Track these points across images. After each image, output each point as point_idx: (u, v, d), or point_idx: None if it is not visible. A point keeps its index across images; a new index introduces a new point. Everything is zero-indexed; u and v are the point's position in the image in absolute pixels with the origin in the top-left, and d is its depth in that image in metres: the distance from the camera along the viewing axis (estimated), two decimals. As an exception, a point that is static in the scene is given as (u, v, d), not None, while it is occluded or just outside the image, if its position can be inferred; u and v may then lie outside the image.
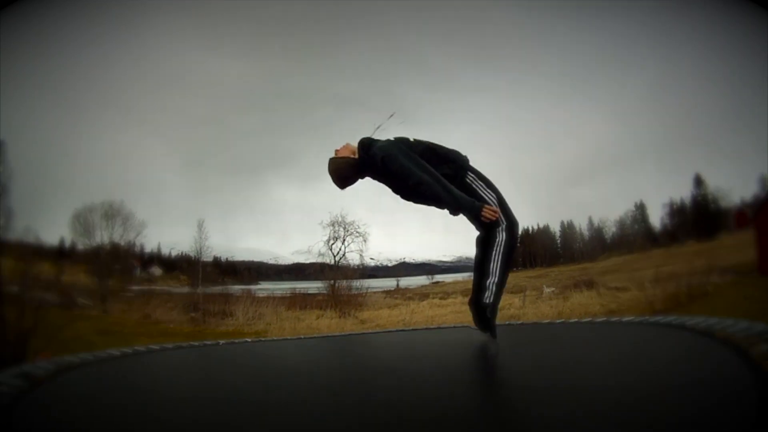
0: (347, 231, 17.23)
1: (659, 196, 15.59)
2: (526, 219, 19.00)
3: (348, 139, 3.55)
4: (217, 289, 16.14)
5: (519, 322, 5.10)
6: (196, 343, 4.75)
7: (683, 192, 15.13)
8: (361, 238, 17.35)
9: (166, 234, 16.66)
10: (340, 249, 17.23)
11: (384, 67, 18.03)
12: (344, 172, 3.45)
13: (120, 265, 14.71)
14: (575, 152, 17.54)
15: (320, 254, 17.31)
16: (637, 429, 2.02)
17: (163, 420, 2.41)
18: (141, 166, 15.11)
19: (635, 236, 16.61)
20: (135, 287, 15.55)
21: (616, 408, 2.21)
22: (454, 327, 4.94)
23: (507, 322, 4.94)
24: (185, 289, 16.00)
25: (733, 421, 2.02)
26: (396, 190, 3.45)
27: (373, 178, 3.47)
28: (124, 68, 13.35)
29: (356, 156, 3.42)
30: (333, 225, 17.10)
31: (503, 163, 16.80)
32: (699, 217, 14.58)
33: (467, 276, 19.92)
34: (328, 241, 17.18)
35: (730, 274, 11.14)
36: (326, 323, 14.69)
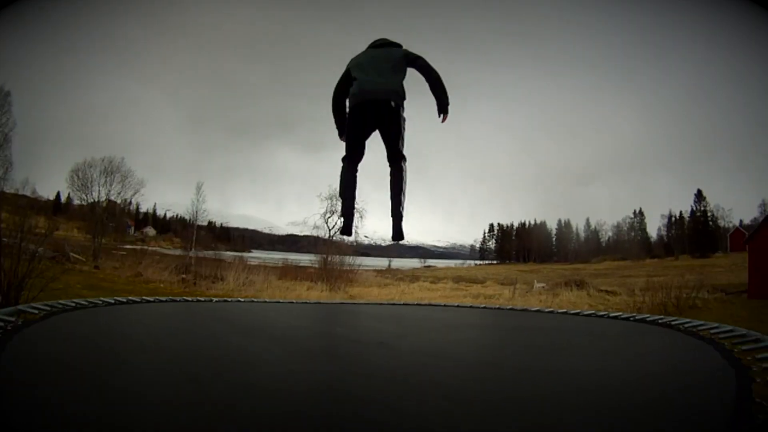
0: (345, 206, 17.15)
1: (660, 206, 15.58)
2: (526, 213, 19.00)
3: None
4: (209, 253, 16.13)
5: (509, 307, 5.22)
6: (190, 299, 4.84)
7: (684, 205, 15.16)
8: (358, 215, 17.29)
9: (163, 194, 16.59)
10: (335, 223, 17.20)
11: (405, 29, 17.44)
12: None
13: (114, 222, 14.67)
14: (592, 148, 17.20)
15: (315, 227, 17.27)
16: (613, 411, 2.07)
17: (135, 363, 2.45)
18: (143, 123, 14.94)
19: (631, 243, 16.67)
20: (128, 246, 15.55)
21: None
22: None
23: (497, 306, 5.08)
24: (178, 252, 16.01)
25: (709, 405, 2.07)
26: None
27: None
28: (130, 16, 13.04)
29: None
30: (331, 198, 17.00)
31: (517, 147, 16.62)
32: (696, 234, 14.62)
33: (459, 263, 20.03)
34: (325, 214, 17.11)
35: (719, 292, 11.28)
36: (316, 295, 14.75)
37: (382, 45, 3.81)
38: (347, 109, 3.67)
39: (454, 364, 3.11)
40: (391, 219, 3.61)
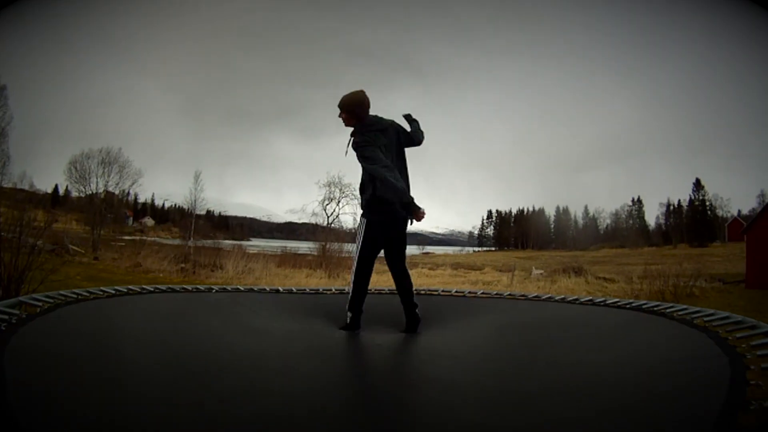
0: (343, 192, 17.14)
1: (658, 194, 15.56)
2: (525, 200, 18.99)
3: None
4: (208, 242, 16.15)
5: (507, 293, 5.32)
6: (189, 287, 4.90)
7: (682, 194, 15.15)
8: (356, 201, 17.23)
9: (161, 184, 16.53)
10: (334, 210, 17.19)
11: (404, 16, 17.14)
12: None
13: (113, 213, 14.65)
14: (591, 135, 17.05)
15: (314, 214, 17.26)
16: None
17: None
18: (140, 113, 14.79)
19: (629, 231, 16.70)
20: (126, 237, 15.55)
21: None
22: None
23: (495, 293, 5.19)
24: (176, 241, 16.03)
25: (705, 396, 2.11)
26: None
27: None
28: (126, 7, 12.86)
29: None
30: (329, 185, 16.98)
31: (516, 133, 16.52)
32: (694, 223, 14.65)
33: (458, 250, 20.08)
34: (323, 201, 17.09)
35: (717, 281, 11.39)
36: (315, 282, 14.77)
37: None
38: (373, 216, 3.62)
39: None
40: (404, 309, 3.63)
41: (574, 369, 2.58)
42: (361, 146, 3.53)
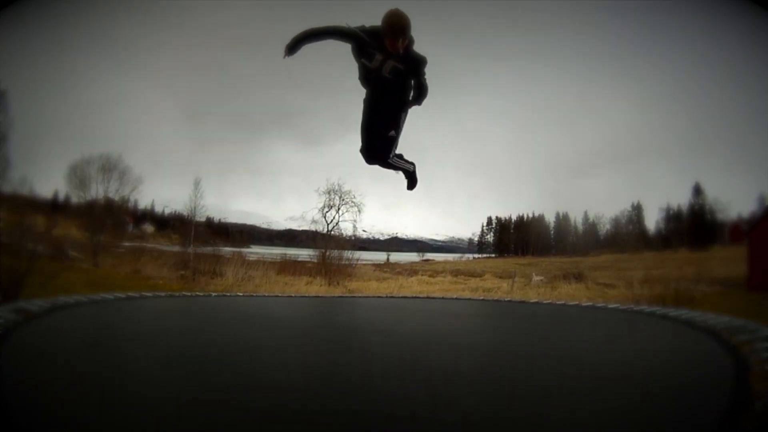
0: (342, 200, 17.10)
1: (658, 198, 15.50)
2: (524, 206, 19.00)
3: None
4: (208, 249, 16.09)
5: (507, 299, 5.35)
6: (188, 294, 4.94)
7: (682, 198, 15.10)
8: (355, 209, 17.21)
9: (161, 191, 16.49)
10: (333, 217, 17.15)
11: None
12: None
13: (113, 220, 14.58)
14: (590, 140, 17.02)
15: (313, 221, 17.23)
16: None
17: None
18: (140, 118, 14.80)
19: (629, 236, 16.63)
20: (126, 243, 15.49)
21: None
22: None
23: (495, 299, 5.22)
24: (176, 248, 15.99)
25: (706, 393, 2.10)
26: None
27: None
28: (127, 13, 12.88)
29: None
30: (329, 193, 16.96)
31: (515, 139, 16.53)
32: (694, 226, 14.60)
33: (458, 257, 20.06)
34: (323, 208, 17.06)
35: (718, 285, 11.32)
36: (315, 290, 14.77)
37: None
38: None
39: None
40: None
41: (575, 368, 2.57)
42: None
